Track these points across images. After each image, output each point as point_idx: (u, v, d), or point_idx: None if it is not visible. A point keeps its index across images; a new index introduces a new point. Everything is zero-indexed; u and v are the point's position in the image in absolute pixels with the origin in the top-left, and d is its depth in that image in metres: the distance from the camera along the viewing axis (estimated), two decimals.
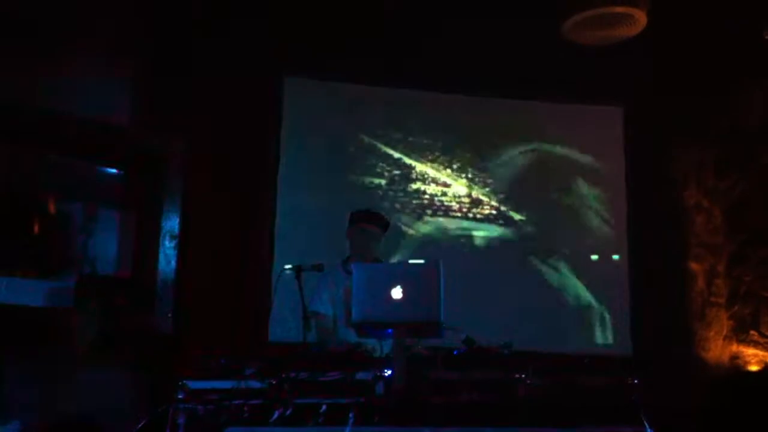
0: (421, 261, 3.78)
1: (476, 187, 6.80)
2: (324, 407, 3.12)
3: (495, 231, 6.77)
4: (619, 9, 5.40)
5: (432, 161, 6.76)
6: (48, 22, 5.24)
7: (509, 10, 5.92)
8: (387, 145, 6.68)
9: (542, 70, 6.49)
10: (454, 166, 6.80)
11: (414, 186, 6.70)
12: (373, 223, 4.67)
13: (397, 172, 6.67)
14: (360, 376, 3.29)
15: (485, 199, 6.80)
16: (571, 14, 5.58)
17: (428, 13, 6.04)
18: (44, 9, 5.21)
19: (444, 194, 6.75)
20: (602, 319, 6.63)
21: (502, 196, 6.83)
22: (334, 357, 3.51)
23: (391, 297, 3.34)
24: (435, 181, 6.75)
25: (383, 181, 6.62)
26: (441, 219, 6.70)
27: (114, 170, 5.72)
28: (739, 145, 6.74)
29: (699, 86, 6.69)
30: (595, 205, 6.89)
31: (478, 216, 6.77)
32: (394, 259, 6.01)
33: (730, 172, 6.80)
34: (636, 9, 5.42)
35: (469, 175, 6.81)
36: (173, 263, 5.60)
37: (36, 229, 5.23)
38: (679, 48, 6.36)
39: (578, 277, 6.75)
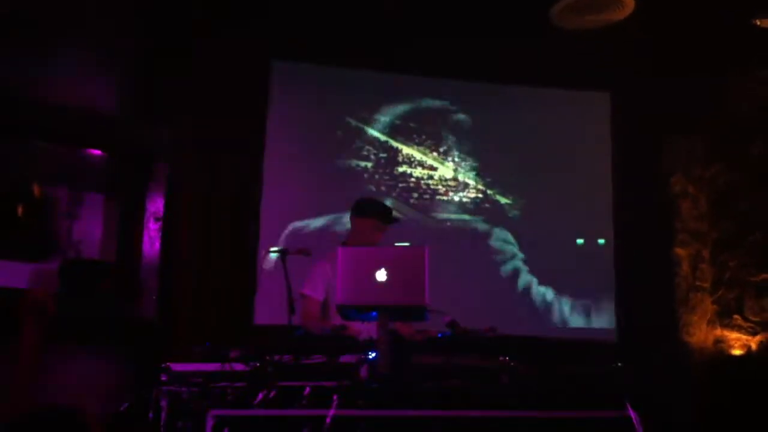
0: (407, 244, 3.78)
1: (462, 171, 6.79)
2: (308, 390, 3.12)
3: (481, 214, 6.77)
4: None
5: (419, 144, 6.75)
6: (36, 10, 5.21)
7: None
8: (373, 128, 6.66)
9: (530, 55, 6.47)
10: (441, 150, 6.79)
11: (400, 169, 6.69)
12: (384, 219, 4.60)
13: (383, 155, 6.66)
14: (344, 359, 3.29)
15: (471, 182, 6.80)
16: None
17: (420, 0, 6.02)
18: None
19: (431, 177, 6.74)
20: (587, 304, 6.64)
21: (488, 180, 6.82)
22: (318, 340, 3.51)
23: (376, 280, 3.34)
24: (421, 164, 6.74)
25: (369, 164, 6.61)
26: (427, 202, 6.69)
27: (99, 154, 5.69)
28: (725, 134, 6.76)
29: (687, 74, 6.69)
30: (581, 189, 6.89)
31: (464, 200, 6.77)
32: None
33: (716, 160, 6.82)
34: None
35: (456, 159, 6.80)
36: (158, 247, 5.58)
37: (21, 213, 5.20)
38: (668, 36, 6.35)
39: (563, 262, 6.75)
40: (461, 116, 6.85)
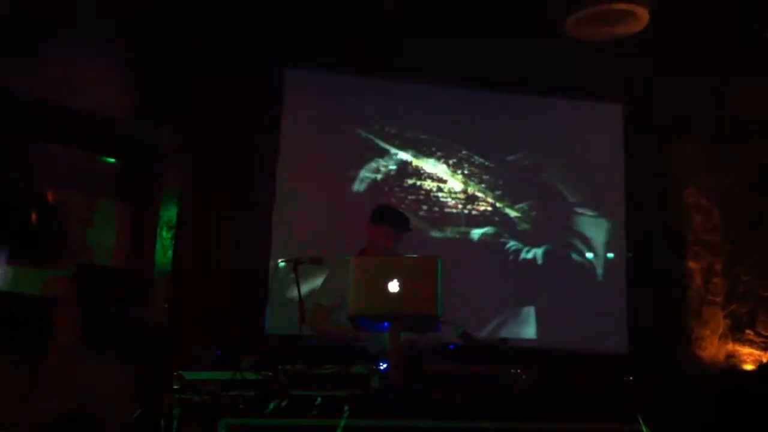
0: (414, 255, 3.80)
1: (472, 183, 6.79)
2: (319, 400, 3.12)
3: (490, 227, 6.76)
4: (622, 6, 5.39)
5: (428, 156, 6.75)
6: (47, 14, 5.25)
7: (510, 4, 5.92)
8: (384, 139, 6.67)
9: (543, 66, 6.49)
10: (451, 162, 6.78)
11: (410, 181, 6.69)
12: (398, 227, 4.58)
13: (393, 167, 6.66)
14: (356, 369, 3.29)
15: (481, 195, 6.79)
16: (574, 11, 5.58)
17: (427, 6, 6.03)
18: (43, 1, 5.23)
19: (440, 190, 6.74)
20: (599, 316, 6.62)
21: (498, 192, 6.82)
22: (330, 350, 3.51)
23: (388, 290, 3.35)
24: (431, 176, 6.74)
25: (379, 176, 6.61)
26: (437, 215, 6.69)
27: (113, 161, 5.71)
28: (738, 144, 6.74)
29: (699, 84, 6.69)
30: (593, 201, 6.89)
31: (474, 212, 6.76)
32: None
33: (729, 171, 6.80)
34: (638, 6, 5.41)
35: (466, 171, 6.79)
36: (171, 254, 5.60)
37: (34, 219, 5.23)
38: (679, 46, 6.35)
39: (574, 274, 6.75)
40: (472, 127, 6.85)
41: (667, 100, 6.78)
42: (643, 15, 5.45)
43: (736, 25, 6.00)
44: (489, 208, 6.79)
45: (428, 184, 6.73)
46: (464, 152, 6.82)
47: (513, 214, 6.82)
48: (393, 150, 6.67)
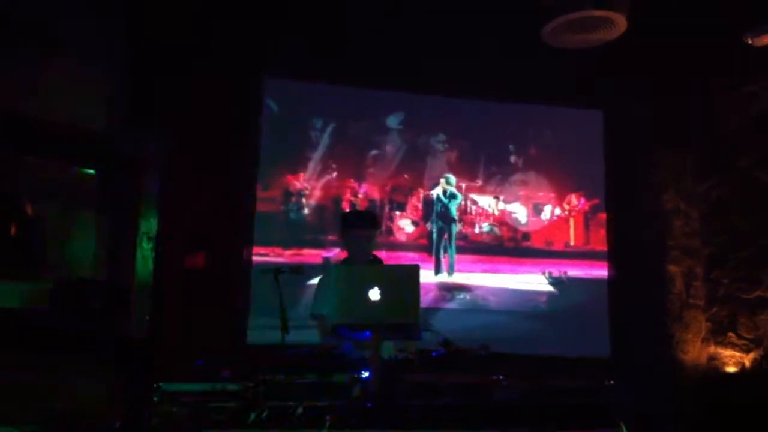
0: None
1: (451, 186, 6.79)
2: (300, 410, 3.11)
3: (472, 230, 6.77)
4: (599, 13, 5.42)
5: (410, 164, 6.75)
6: (23, 24, 5.22)
7: (489, 12, 5.94)
8: (366, 146, 6.67)
9: (522, 73, 6.51)
10: (432, 169, 6.78)
11: (392, 185, 6.68)
12: (364, 227, 4.61)
13: (376, 173, 6.66)
14: (337, 378, 3.28)
15: (460, 200, 6.80)
16: (552, 18, 5.60)
17: (405, 13, 6.04)
18: (18, 11, 5.19)
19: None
20: (580, 321, 6.64)
21: (476, 198, 6.83)
22: (310, 359, 3.50)
23: (369, 299, 3.34)
24: (411, 182, 6.74)
25: (362, 182, 6.62)
26: (416, 218, 6.69)
27: (92, 172, 5.68)
28: (716, 149, 6.78)
29: (678, 90, 6.74)
30: (573, 206, 6.91)
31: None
32: None
33: (707, 176, 6.84)
34: (616, 13, 5.44)
35: (447, 178, 6.80)
36: (151, 265, 5.56)
37: (13, 231, 5.18)
38: (659, 52, 6.39)
39: (555, 280, 6.76)
40: (451, 135, 6.86)
41: (647, 106, 6.82)
42: (621, 22, 5.48)
43: (719, 33, 6.04)
44: (470, 214, 6.79)
45: (409, 190, 6.73)
46: (447, 158, 6.83)
47: (493, 219, 6.83)
48: (375, 156, 6.67)
